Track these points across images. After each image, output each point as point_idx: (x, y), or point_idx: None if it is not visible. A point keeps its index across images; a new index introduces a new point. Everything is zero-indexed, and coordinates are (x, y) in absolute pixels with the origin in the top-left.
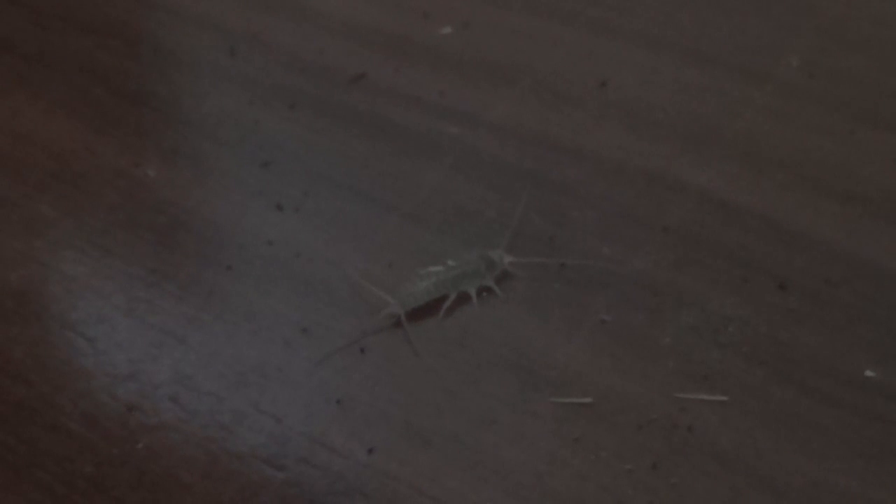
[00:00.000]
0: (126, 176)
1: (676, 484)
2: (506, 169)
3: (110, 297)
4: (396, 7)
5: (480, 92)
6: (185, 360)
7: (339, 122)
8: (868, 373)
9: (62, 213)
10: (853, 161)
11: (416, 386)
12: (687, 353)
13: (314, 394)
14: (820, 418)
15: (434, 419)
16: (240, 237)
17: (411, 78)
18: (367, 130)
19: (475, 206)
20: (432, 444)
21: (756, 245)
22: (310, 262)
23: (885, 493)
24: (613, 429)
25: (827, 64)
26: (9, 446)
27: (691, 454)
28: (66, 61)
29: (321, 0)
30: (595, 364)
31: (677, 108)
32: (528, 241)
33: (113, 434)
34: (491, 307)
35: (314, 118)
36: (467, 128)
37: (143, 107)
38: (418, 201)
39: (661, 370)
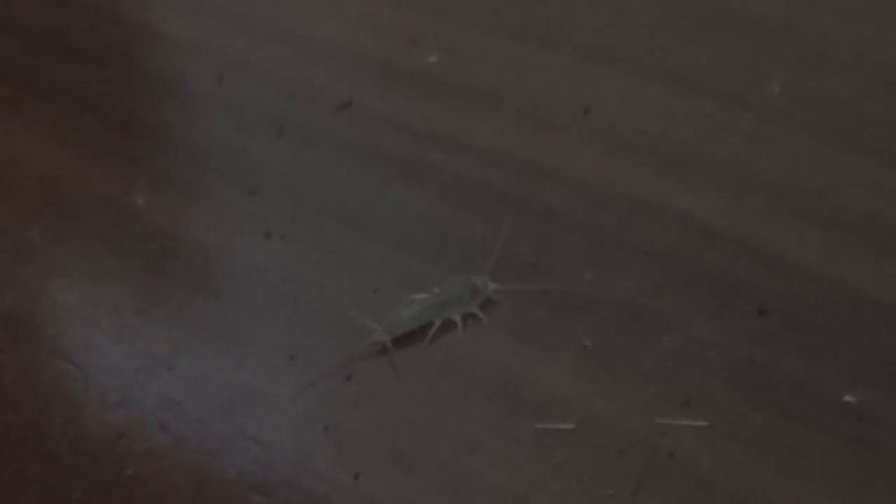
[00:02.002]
0: (115, 203)
1: None
2: (491, 195)
3: (99, 323)
4: (384, 34)
5: (466, 118)
6: (173, 386)
7: (326, 149)
8: (847, 397)
9: (52, 240)
10: (835, 186)
11: (401, 412)
12: (668, 378)
13: (300, 420)
14: (799, 442)
15: (418, 445)
16: (228, 264)
17: (398, 105)
18: (354, 157)
19: (460, 232)
20: (416, 470)
21: (737, 270)
22: (297, 289)
23: None
24: (595, 454)
25: (809, 89)
26: None
27: (672, 479)
28: (58, 89)
29: (309, 27)
30: (577, 389)
31: (660, 133)
32: (512, 268)
33: (101, 460)
34: (475, 334)
35: (301, 145)
36: (453, 154)
37: (133, 134)
38: (404, 228)
39: (642, 395)
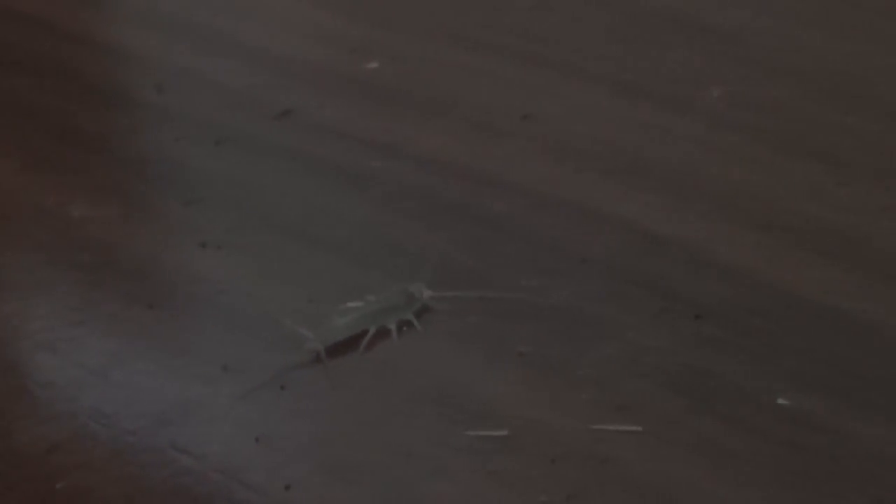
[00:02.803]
0: (52, 215)
1: None
2: (431, 202)
3: (34, 336)
4: (325, 42)
5: (407, 125)
6: (106, 398)
7: (265, 157)
8: (781, 401)
9: None
10: (775, 190)
11: (335, 421)
12: (604, 384)
13: (234, 431)
14: (735, 446)
15: (352, 454)
16: (163, 275)
17: (338, 113)
18: (293, 166)
19: (399, 239)
20: (350, 479)
21: (676, 275)
22: (232, 299)
23: None
24: (529, 461)
25: (749, 94)
26: None
27: (606, 485)
28: None
29: (250, 35)
30: (512, 396)
31: (602, 139)
32: (451, 275)
33: (33, 474)
34: (411, 341)
35: (240, 154)
36: (393, 161)
37: (70, 145)
38: (343, 236)
39: (577, 401)
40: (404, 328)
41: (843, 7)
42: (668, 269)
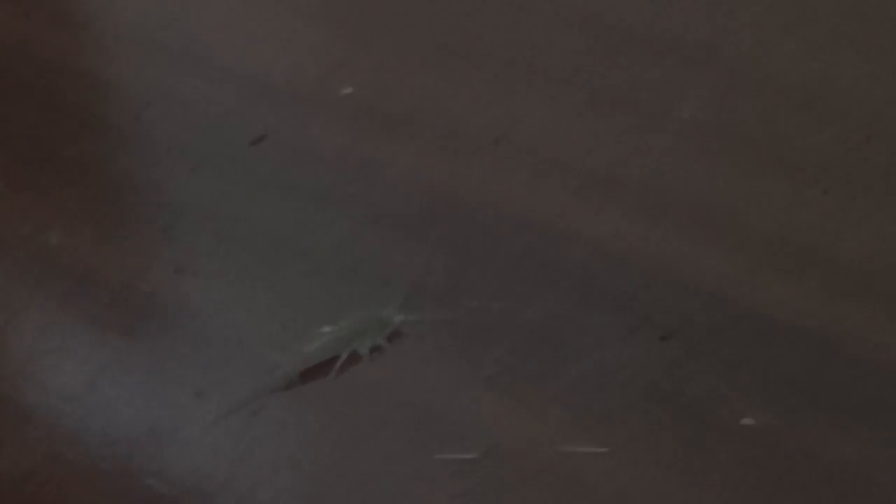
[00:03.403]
0: (29, 241)
1: None
2: (405, 225)
3: (10, 363)
4: (300, 67)
5: (381, 149)
6: (82, 425)
7: (240, 182)
8: (746, 420)
9: None
10: (743, 208)
11: (307, 446)
12: (572, 405)
13: (206, 456)
14: (701, 465)
15: (324, 478)
16: (140, 301)
17: (313, 137)
18: (269, 190)
19: (373, 263)
20: (322, 503)
21: (644, 295)
22: (206, 325)
23: None
24: (497, 483)
25: (723, 108)
26: None
27: None
28: None
29: (226, 60)
30: (482, 418)
31: (574, 158)
32: (422, 298)
33: (9, 501)
34: (382, 365)
35: (216, 180)
36: (367, 185)
37: (48, 171)
38: (317, 260)
39: (545, 423)
40: (376, 352)
41: (816, 21)
42: (636, 289)
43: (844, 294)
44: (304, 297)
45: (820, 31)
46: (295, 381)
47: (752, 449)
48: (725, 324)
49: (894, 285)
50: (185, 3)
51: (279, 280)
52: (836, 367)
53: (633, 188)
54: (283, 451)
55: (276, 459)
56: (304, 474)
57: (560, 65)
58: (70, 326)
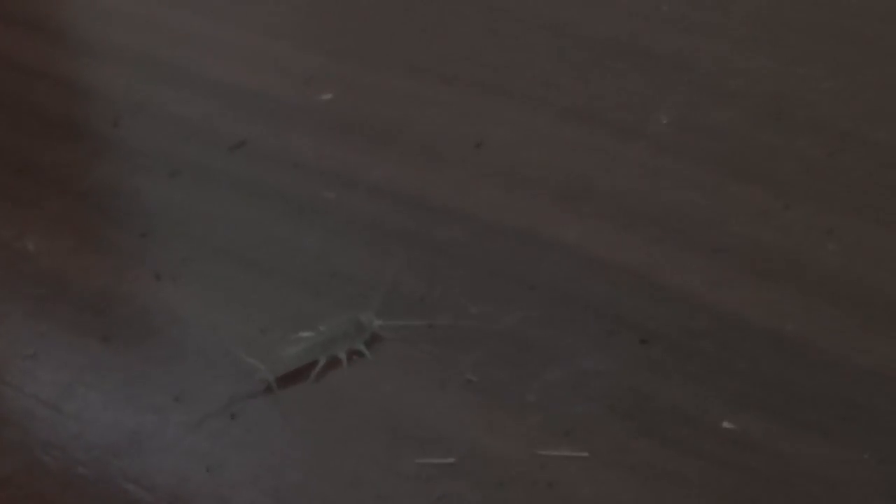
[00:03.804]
0: (6, 248)
1: None
2: (383, 231)
3: None
4: (279, 73)
5: (359, 155)
6: (59, 430)
7: (219, 189)
8: (726, 424)
9: None
10: (720, 214)
11: (285, 450)
12: (550, 409)
13: (184, 461)
14: (680, 469)
15: (302, 483)
16: (117, 307)
17: (292, 143)
18: (247, 196)
19: (351, 269)
20: None
21: (623, 300)
22: (185, 330)
23: None
24: (476, 487)
25: (696, 119)
26: None
27: None
28: None
29: (205, 67)
30: (460, 423)
31: (551, 165)
32: (400, 303)
33: None
34: (360, 370)
35: (194, 186)
36: (346, 191)
37: (26, 178)
38: (295, 266)
39: (523, 427)
40: (354, 357)
41: (790, 32)
42: (615, 295)
43: (824, 299)
44: (283, 303)
45: (791, 46)
46: (274, 385)
47: (732, 452)
48: (704, 328)
49: (868, 292)
50: (163, 11)
51: (258, 285)
52: (815, 371)
53: (610, 194)
54: (262, 456)
55: (256, 464)
56: (283, 478)
57: (538, 74)
58: (47, 332)
